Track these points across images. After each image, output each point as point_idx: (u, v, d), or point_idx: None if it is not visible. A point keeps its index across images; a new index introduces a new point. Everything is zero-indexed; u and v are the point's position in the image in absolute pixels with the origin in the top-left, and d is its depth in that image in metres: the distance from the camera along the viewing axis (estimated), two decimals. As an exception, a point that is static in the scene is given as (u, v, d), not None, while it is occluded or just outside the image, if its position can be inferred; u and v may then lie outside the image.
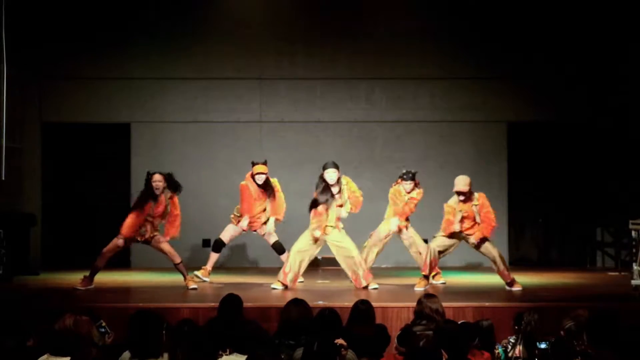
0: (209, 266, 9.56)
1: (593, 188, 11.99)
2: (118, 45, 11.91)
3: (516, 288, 8.59)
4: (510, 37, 11.92)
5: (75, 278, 9.12)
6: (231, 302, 5.82)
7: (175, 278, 9.37)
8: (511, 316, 5.97)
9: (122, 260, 11.66)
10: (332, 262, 10.39)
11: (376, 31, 12.05)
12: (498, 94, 12.09)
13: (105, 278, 9.73)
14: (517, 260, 12.01)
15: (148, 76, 11.98)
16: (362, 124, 12.16)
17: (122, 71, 11.97)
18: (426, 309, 5.66)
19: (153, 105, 12.04)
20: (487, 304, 7.41)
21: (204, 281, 9.36)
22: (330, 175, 8.77)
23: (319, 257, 11.08)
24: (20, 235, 10.55)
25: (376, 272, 9.57)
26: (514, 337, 5.73)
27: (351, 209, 8.87)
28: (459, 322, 5.60)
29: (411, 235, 9.33)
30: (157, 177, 8.86)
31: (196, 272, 9.43)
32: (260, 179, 9.32)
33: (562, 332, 5.49)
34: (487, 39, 11.96)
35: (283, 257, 9.44)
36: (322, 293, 8.48)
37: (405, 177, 9.26)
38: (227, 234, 9.60)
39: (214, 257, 9.62)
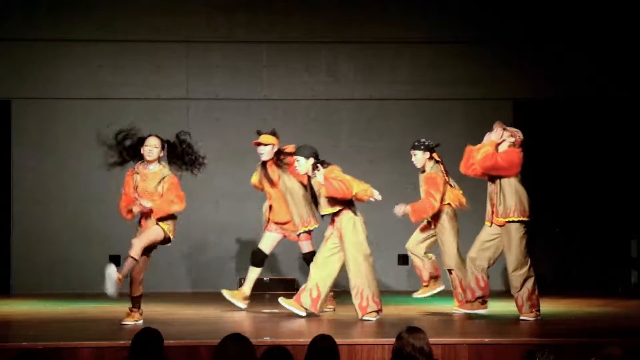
0: None
1: (625, 188, 12.11)
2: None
3: None
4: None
5: None
6: (147, 338, 5.76)
7: (72, 308, 9.24)
8: (519, 356, 5.98)
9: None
10: (282, 284, 10.38)
11: (342, -21, 12.10)
12: (501, 63, 12.16)
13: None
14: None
15: (35, 37, 11.84)
16: (322, 103, 12.14)
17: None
18: (408, 346, 5.64)
19: (42, 77, 11.89)
20: (487, 339, 7.43)
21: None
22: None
23: (265, 279, 11.08)
24: None
25: (338, 296, 9.60)
26: (523, 383, 5.74)
27: None
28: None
29: None
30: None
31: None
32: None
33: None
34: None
35: None
36: (270, 326, 8.43)
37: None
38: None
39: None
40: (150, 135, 8.54)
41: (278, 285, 11.21)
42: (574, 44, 12.12)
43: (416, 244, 9.37)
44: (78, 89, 11.92)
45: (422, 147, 9.28)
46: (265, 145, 9.43)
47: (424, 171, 9.29)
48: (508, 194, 8.59)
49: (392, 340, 5.67)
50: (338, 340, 5.72)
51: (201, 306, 9.56)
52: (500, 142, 8.70)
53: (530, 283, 8.62)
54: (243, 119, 11.94)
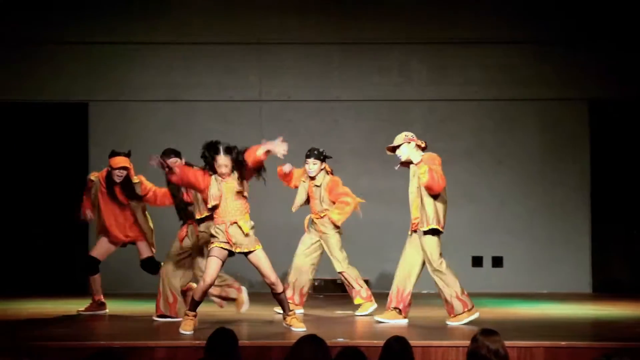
0: None
1: None
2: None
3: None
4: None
5: (19, 308, 9.14)
6: (222, 339, 5.79)
7: (148, 308, 9.33)
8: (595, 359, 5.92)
9: (76, 284, 11.67)
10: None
11: (412, -20, 12.08)
12: (575, 62, 12.03)
13: (53, 307, 9.71)
14: (603, 285, 11.93)
15: (111, 40, 11.98)
16: (394, 104, 12.12)
17: (77, 34, 11.99)
18: (483, 349, 5.60)
19: (117, 79, 12.04)
20: (563, 342, 7.35)
21: None
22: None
23: (338, 281, 11.06)
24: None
25: (415, 298, 9.52)
26: (600, 387, 5.67)
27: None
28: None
29: None
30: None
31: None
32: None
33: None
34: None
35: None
36: (343, 327, 8.44)
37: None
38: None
39: None
40: (218, 154, 7.79)
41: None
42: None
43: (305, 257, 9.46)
44: (151, 91, 12.05)
45: (321, 157, 9.36)
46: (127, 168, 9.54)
47: (313, 178, 9.35)
48: (427, 204, 8.44)
49: (467, 342, 5.64)
50: (412, 342, 5.71)
51: (273, 306, 9.57)
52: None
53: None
54: (315, 121, 11.97)
